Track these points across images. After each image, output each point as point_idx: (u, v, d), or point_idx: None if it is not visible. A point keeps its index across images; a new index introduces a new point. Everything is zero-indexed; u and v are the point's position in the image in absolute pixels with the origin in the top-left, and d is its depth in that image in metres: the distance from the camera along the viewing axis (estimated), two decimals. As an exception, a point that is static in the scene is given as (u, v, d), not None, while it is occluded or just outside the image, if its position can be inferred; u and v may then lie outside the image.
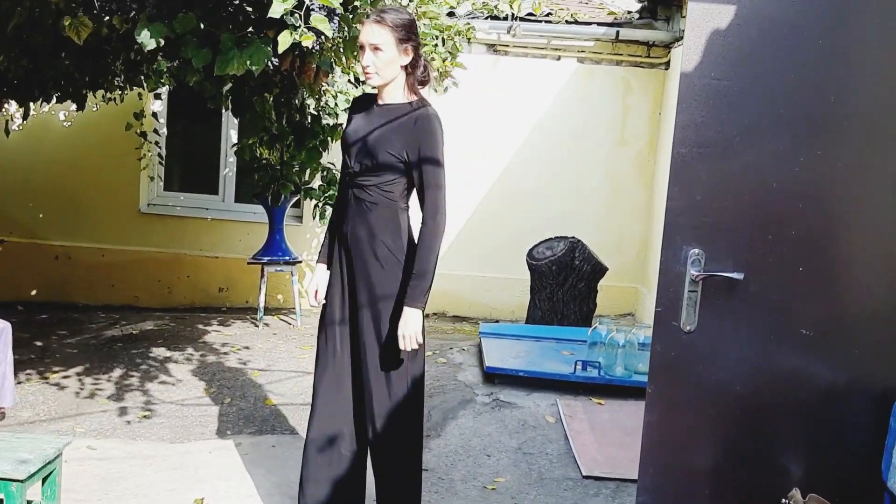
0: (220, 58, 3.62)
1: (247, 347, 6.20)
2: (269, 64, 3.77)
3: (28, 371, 5.51)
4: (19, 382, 5.28)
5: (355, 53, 4.04)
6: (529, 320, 6.50)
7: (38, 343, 6.25)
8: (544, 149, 8.11)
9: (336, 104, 5.43)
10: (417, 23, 5.83)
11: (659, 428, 2.87)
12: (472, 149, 8.05)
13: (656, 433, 2.87)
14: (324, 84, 4.42)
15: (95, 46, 5.26)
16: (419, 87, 3.16)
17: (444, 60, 5.69)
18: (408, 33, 3.05)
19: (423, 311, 3.04)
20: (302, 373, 5.62)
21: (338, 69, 4.59)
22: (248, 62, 3.59)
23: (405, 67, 3.09)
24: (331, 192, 6.44)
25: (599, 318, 5.94)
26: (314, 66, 4.06)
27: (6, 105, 6.92)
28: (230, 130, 8.29)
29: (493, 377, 5.34)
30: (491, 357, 5.49)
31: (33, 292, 8.15)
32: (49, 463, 2.84)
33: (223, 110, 8.21)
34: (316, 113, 5.66)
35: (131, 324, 7.01)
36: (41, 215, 8.17)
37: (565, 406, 5.01)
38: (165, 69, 6.36)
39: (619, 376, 5.23)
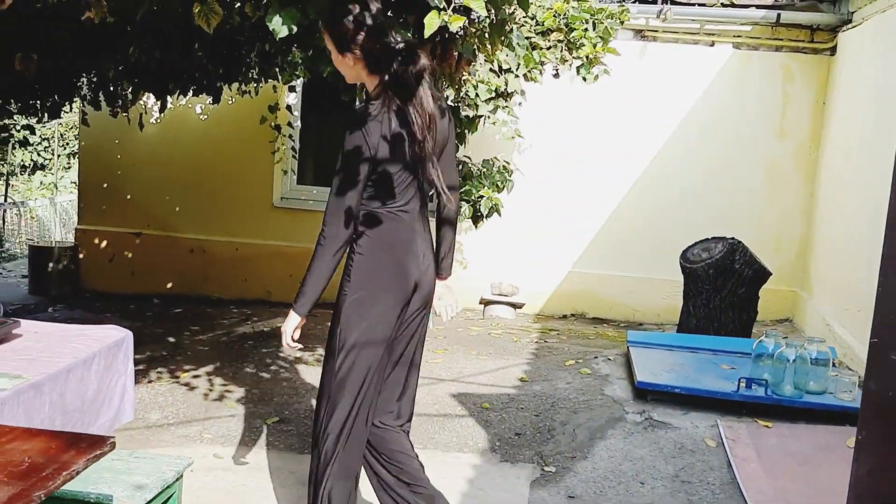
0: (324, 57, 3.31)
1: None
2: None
3: (159, 369, 5.40)
4: (149, 381, 5.17)
5: (503, 38, 3.67)
6: (682, 328, 5.97)
7: (171, 339, 6.17)
8: (695, 142, 7.53)
9: (477, 94, 5.06)
10: (566, 6, 5.49)
11: (870, 485, 2.36)
12: (615, 141, 7.57)
13: (867, 490, 2.37)
14: (465, 73, 4.06)
15: (228, 37, 5.08)
16: (388, 84, 2.78)
17: (594, 46, 5.24)
18: (340, 37, 2.78)
19: (296, 315, 2.89)
20: (436, 379, 5.30)
21: (480, 57, 4.22)
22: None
23: (365, 67, 2.80)
24: (466, 186, 6.09)
25: (765, 331, 5.36)
26: (456, 53, 3.69)
27: (144, 98, 6.89)
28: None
29: (645, 393, 4.87)
30: (642, 370, 5.02)
31: (169, 285, 8.15)
32: (168, 487, 2.58)
33: (357, 103, 8.06)
34: (454, 104, 5.31)
35: (263, 320, 6.87)
36: (177, 209, 8.17)
37: (727, 428, 4.50)
38: (300, 60, 6.18)
39: (789, 396, 4.67)
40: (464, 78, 4.76)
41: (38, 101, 5.06)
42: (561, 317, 7.88)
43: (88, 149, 8.20)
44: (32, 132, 17.55)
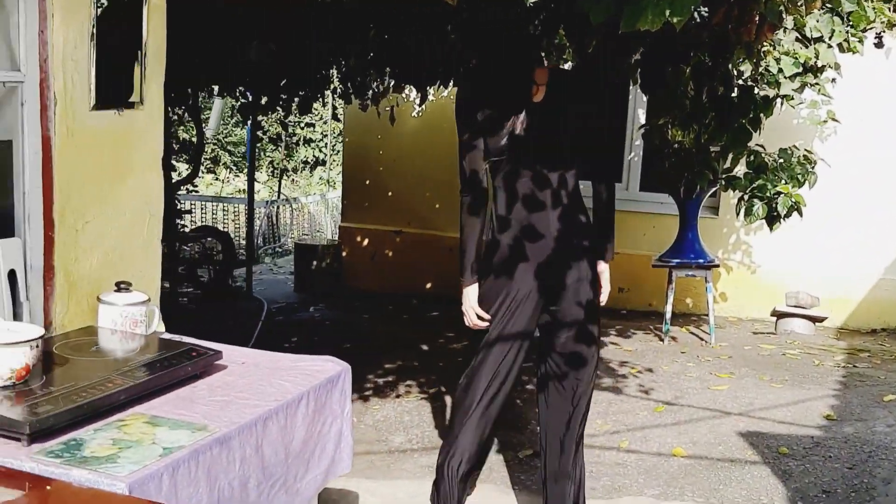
0: (629, 8, 2.59)
1: (649, 370, 5.16)
2: (696, 15, 2.68)
3: (408, 382, 4.99)
4: (397, 396, 4.77)
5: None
6: None
7: (425, 347, 5.77)
8: None
9: (780, 69, 4.14)
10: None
11: None
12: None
13: None
14: (766, 43, 3.19)
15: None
16: None
17: None
18: None
19: (464, 285, 3.06)
20: (719, 412, 4.45)
21: (789, 20, 3.35)
22: (668, 12, 2.53)
23: None
24: (760, 181, 5.14)
25: None
26: (757, 16, 2.88)
27: (406, 91, 6.57)
28: (637, 109, 7.29)
29: None
30: None
31: (428, 285, 7.84)
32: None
33: (630, 85, 7.31)
34: (747, 83, 4.43)
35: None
36: (437, 206, 7.83)
37: None
38: (566, 43, 5.57)
39: None
40: (764, 49, 3.88)
41: (286, 95, 4.79)
42: (869, 332, 6.65)
43: (351, 145, 8.07)
44: (313, 128, 18.32)
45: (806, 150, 5.57)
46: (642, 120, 7.25)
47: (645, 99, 7.28)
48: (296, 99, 4.86)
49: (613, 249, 3.10)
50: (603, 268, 3.08)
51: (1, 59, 2.26)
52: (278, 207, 10.46)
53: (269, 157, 17.86)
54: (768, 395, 4.62)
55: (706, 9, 2.73)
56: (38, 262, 2.35)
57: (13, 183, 2.32)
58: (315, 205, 11.45)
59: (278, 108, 5.00)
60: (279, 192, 12.11)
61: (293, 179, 16.00)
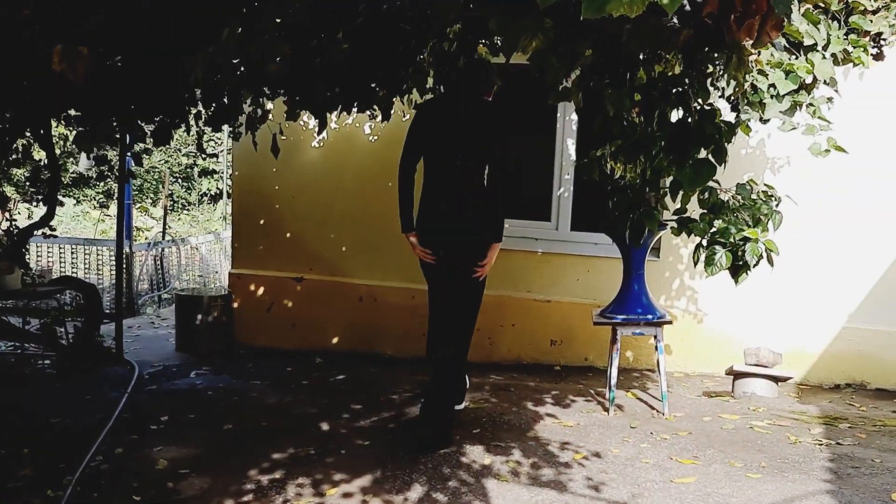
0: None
1: (597, 455, 4.23)
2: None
3: (300, 480, 3.95)
4: (286, 501, 3.74)
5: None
6: None
7: (324, 426, 4.75)
8: None
9: (772, 85, 3.28)
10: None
11: None
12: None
13: None
14: (769, 43, 2.31)
15: (387, 24, 3.61)
16: None
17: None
18: None
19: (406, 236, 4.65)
20: (689, 517, 3.55)
21: (797, 9, 2.50)
22: (647, -9, 1.63)
23: None
24: (720, 224, 4.31)
25: None
26: (766, 3, 2.01)
27: (303, 117, 5.59)
28: (566, 138, 6.45)
29: None
30: None
31: (335, 340, 6.83)
32: None
33: (556, 112, 6.48)
34: (709, 107, 3.58)
35: (442, 396, 5.34)
36: (344, 248, 6.84)
37: None
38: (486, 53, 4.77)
39: None
40: (753, 59, 3.04)
41: (142, 121, 3.75)
42: (833, 387, 5.91)
43: (242, 179, 7.01)
44: (217, 159, 17.11)
45: (766, 184, 4.78)
46: (572, 151, 6.42)
47: (575, 127, 6.48)
48: (150, 127, 3.83)
49: (496, 233, 4.53)
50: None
51: None
52: (163, 250, 9.25)
53: (170, 189, 16.58)
54: (746, 491, 3.73)
55: (698, -8, 1.86)
56: None
57: None
58: (208, 245, 10.25)
59: (117, 136, 3.97)
60: (164, 231, 10.88)
61: (192, 215, 14.74)
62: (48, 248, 8.95)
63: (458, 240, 4.51)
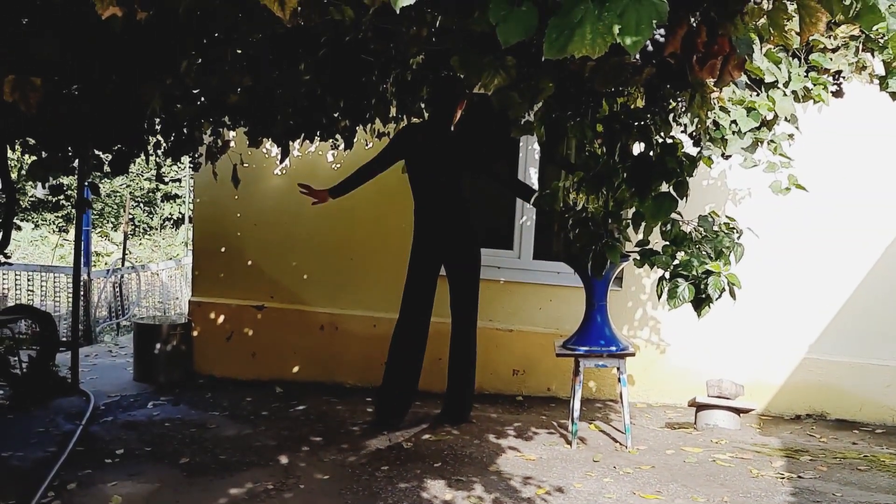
0: (555, 22, 1.67)
1: (560, 490, 4.20)
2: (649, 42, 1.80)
3: (257, 516, 3.88)
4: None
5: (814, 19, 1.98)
6: None
7: (283, 460, 4.66)
8: None
9: (734, 121, 3.31)
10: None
11: None
12: (877, 186, 5.66)
13: None
14: (731, 82, 2.32)
15: (349, 55, 3.59)
16: None
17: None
18: None
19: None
20: (651, 553, 3.53)
21: (758, 48, 2.51)
22: (617, 30, 1.62)
23: None
24: (683, 257, 4.32)
25: None
26: (728, 44, 2.01)
27: (266, 144, 5.55)
28: (529, 167, 6.47)
29: None
30: None
31: (295, 369, 6.75)
32: None
33: (519, 143, 6.50)
34: (671, 140, 3.60)
35: (403, 428, 5.29)
36: (305, 276, 6.78)
37: None
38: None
39: None
40: (716, 97, 3.05)
41: (100, 150, 3.68)
42: (793, 418, 5.94)
43: (204, 206, 6.94)
44: (179, 183, 16.96)
45: (728, 216, 4.81)
46: (535, 180, 6.43)
47: (538, 157, 6.49)
48: (108, 155, 3.77)
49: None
50: None
51: None
52: (122, 276, 9.10)
53: (131, 214, 16.38)
54: (710, 527, 3.73)
55: (661, 31, 1.86)
56: None
57: None
58: (169, 271, 10.11)
59: (73, 166, 3.89)
60: (123, 257, 10.72)
61: (154, 240, 14.57)
62: (2, 274, 8.77)
63: (457, 241, 5.33)
